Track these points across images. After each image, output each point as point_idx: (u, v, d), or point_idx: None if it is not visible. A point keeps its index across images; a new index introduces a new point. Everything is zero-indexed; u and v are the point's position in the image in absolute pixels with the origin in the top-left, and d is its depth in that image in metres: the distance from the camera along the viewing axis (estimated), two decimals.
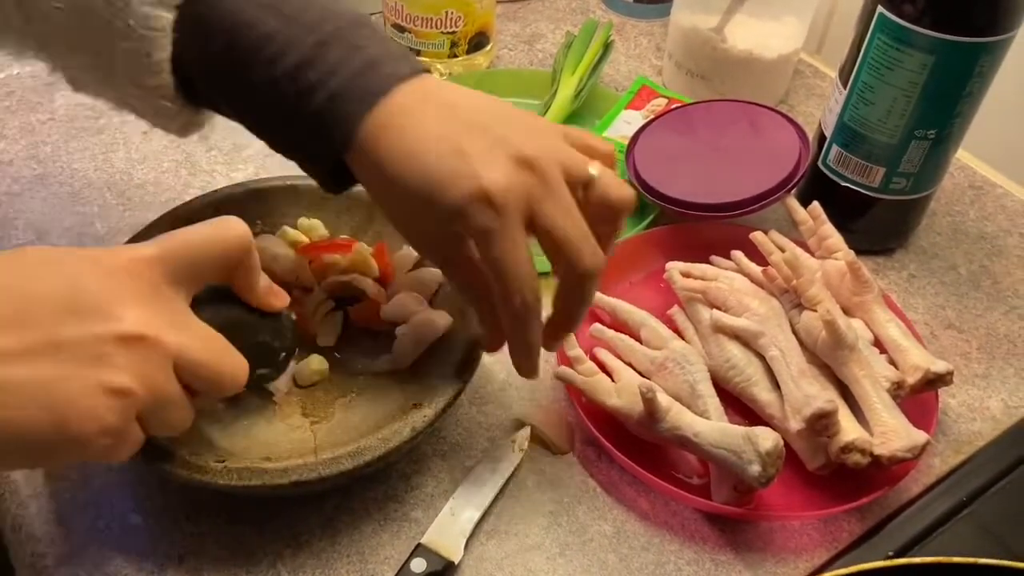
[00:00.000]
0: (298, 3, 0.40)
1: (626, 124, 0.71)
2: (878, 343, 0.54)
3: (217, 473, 0.43)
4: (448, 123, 0.39)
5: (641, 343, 0.55)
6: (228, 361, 0.39)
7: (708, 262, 0.60)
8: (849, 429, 0.49)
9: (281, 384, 0.50)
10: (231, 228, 0.40)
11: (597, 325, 0.56)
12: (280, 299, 0.44)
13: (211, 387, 0.39)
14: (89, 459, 0.35)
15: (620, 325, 0.57)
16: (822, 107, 0.77)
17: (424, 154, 0.38)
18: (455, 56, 0.74)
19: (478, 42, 0.75)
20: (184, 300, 0.39)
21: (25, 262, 0.35)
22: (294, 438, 0.47)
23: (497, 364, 0.57)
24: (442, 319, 0.50)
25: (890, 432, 0.48)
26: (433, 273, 0.54)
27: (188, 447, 0.44)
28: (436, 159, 0.38)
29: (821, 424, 0.48)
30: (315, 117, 0.39)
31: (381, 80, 0.39)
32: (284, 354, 0.47)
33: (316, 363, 0.50)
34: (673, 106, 0.71)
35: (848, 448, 0.48)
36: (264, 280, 0.43)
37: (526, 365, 0.43)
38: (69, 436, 0.33)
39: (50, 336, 0.33)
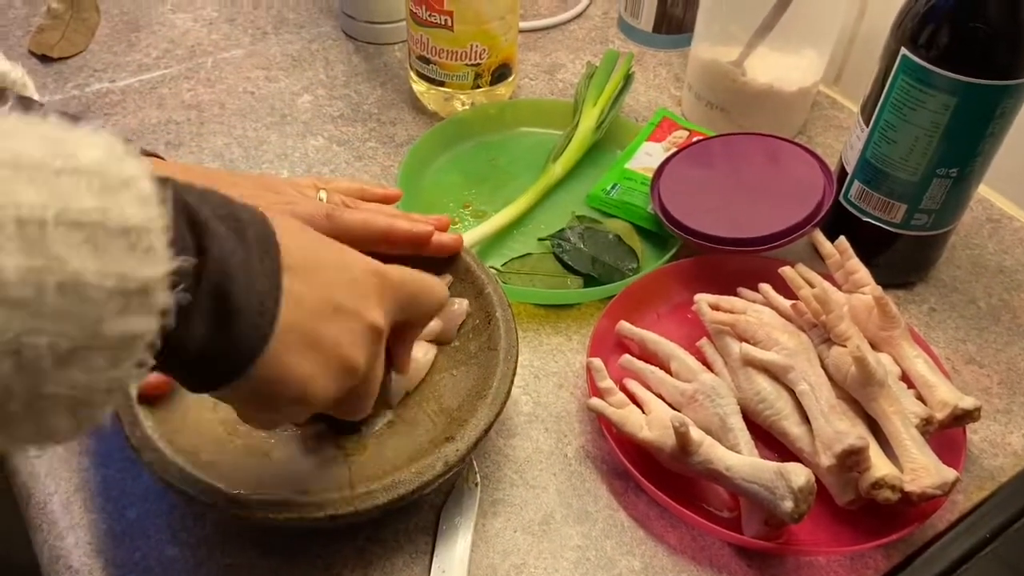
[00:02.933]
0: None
1: (647, 156, 0.72)
2: (905, 378, 0.55)
3: (254, 506, 0.43)
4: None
5: (671, 375, 0.55)
6: (374, 397, 0.42)
7: (734, 293, 0.60)
8: (880, 465, 0.49)
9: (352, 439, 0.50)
10: (442, 286, 0.44)
11: (627, 356, 0.57)
12: (407, 370, 0.47)
13: (351, 408, 0.42)
14: (281, 419, 0.39)
15: (649, 356, 0.57)
16: (840, 138, 0.79)
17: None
18: (478, 87, 0.75)
19: (501, 73, 0.76)
20: (390, 327, 0.41)
21: (311, 234, 0.39)
22: (329, 472, 0.47)
23: (524, 395, 0.57)
24: (427, 354, 0.52)
25: (920, 469, 0.49)
26: (461, 305, 0.54)
27: (225, 480, 0.44)
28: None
29: (852, 460, 0.49)
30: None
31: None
32: (381, 409, 0.49)
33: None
34: (695, 139, 0.72)
35: (879, 484, 0.48)
36: (412, 344, 0.46)
37: None
38: (307, 393, 0.36)
39: (333, 298, 0.36)
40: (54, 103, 0.76)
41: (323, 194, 0.53)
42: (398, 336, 0.44)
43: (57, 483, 0.50)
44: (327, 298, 0.36)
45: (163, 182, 0.29)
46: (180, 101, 0.78)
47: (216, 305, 0.32)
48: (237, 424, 0.49)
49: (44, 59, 0.81)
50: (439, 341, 0.54)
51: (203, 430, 0.48)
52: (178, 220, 0.30)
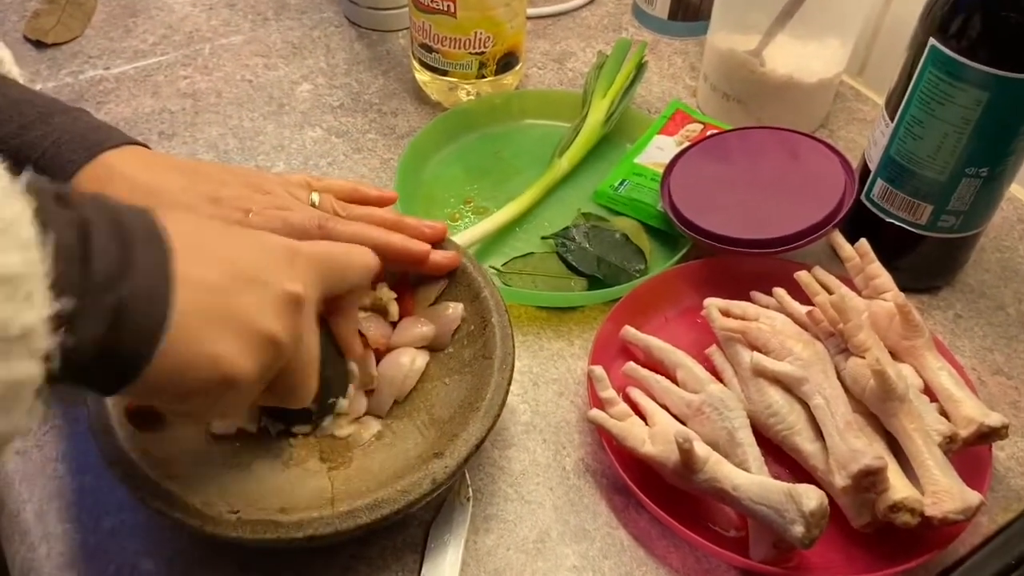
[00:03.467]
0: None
1: (658, 150, 0.69)
2: (928, 391, 0.51)
3: (230, 526, 0.41)
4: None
5: (677, 384, 0.52)
6: (315, 378, 0.41)
7: (747, 298, 0.57)
8: (898, 487, 0.46)
9: (305, 429, 0.48)
10: (367, 252, 0.43)
11: (631, 364, 0.54)
12: (358, 347, 0.46)
13: (290, 392, 0.40)
14: (212, 409, 0.37)
15: (655, 364, 0.54)
16: (864, 132, 0.75)
17: None
18: (483, 77, 0.72)
19: (507, 62, 0.72)
20: (316, 303, 0.40)
21: (215, 223, 0.38)
22: (311, 486, 0.45)
23: (522, 403, 0.54)
24: (416, 361, 0.49)
25: (942, 492, 0.45)
26: (455, 309, 0.51)
27: (201, 495, 0.42)
28: None
29: (868, 481, 0.45)
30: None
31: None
32: (332, 400, 0.46)
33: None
34: (709, 132, 0.68)
35: (897, 507, 0.45)
36: (356, 321, 0.45)
37: None
38: (221, 372, 0.34)
39: (239, 271, 0.35)
40: (47, 91, 0.74)
41: (316, 196, 0.50)
42: (335, 313, 0.43)
43: (31, 490, 0.48)
44: (232, 272, 0.35)
45: (44, 213, 0.29)
46: (176, 89, 0.75)
47: (105, 308, 0.30)
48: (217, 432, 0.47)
49: (39, 44, 0.79)
50: (432, 347, 0.51)
51: (181, 439, 0.46)
52: (60, 250, 0.29)
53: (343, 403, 0.47)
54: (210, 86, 0.76)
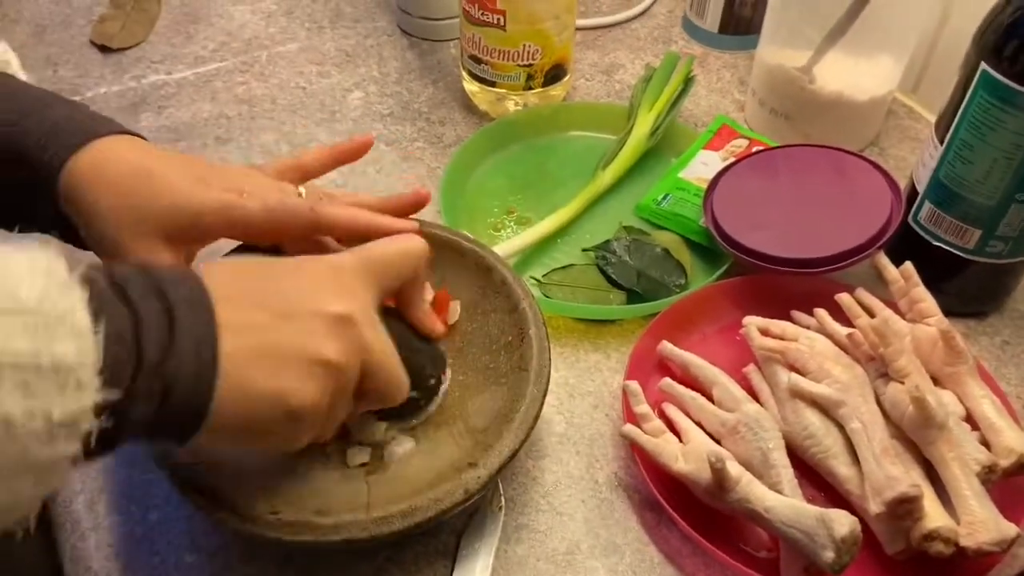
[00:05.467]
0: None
1: (703, 165, 0.69)
2: (969, 418, 0.50)
3: (269, 525, 0.42)
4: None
5: (712, 402, 0.53)
6: (402, 372, 0.41)
7: (787, 317, 0.57)
8: (934, 515, 0.45)
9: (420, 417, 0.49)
10: (415, 240, 0.43)
11: (667, 380, 0.54)
12: (439, 327, 0.47)
13: (384, 393, 0.41)
14: (292, 440, 0.38)
15: (691, 380, 0.54)
16: (916, 151, 0.74)
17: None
18: (531, 88, 0.73)
19: (555, 74, 0.73)
20: (374, 306, 0.40)
21: (252, 264, 0.40)
22: (348, 489, 0.46)
23: (557, 415, 0.55)
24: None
25: (978, 523, 0.45)
26: (454, 306, 0.53)
27: (243, 494, 0.43)
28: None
29: (903, 509, 0.45)
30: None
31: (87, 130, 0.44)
32: (434, 381, 0.48)
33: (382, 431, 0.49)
34: (755, 149, 0.68)
35: (931, 536, 0.45)
36: (426, 303, 0.46)
37: None
38: (283, 406, 0.35)
39: (280, 309, 0.36)
40: (111, 94, 0.77)
41: (303, 189, 0.51)
42: (402, 305, 0.45)
43: (83, 482, 0.50)
44: (272, 310, 0.36)
45: (98, 299, 0.30)
46: (233, 95, 0.78)
47: (153, 392, 0.32)
48: None
49: (104, 49, 0.82)
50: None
51: None
52: (111, 338, 0.30)
53: (446, 383, 0.49)
54: (266, 92, 0.78)
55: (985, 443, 0.49)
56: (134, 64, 0.81)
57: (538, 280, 0.62)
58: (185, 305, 0.33)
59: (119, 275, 0.33)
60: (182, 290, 0.34)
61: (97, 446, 0.30)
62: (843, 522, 0.43)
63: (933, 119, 0.58)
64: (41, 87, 0.48)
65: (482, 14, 0.68)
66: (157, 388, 0.32)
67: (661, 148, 0.72)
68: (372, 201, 0.52)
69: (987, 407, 0.50)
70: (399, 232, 0.50)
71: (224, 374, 0.33)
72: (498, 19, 0.68)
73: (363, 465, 0.48)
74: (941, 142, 0.55)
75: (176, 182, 0.44)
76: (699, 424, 0.52)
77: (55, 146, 0.43)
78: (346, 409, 0.40)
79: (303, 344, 0.36)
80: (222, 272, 0.36)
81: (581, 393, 0.56)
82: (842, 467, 0.49)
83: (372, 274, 0.41)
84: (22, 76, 0.52)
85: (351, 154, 0.54)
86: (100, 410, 0.29)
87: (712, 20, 0.83)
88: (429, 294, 0.51)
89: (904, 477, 0.46)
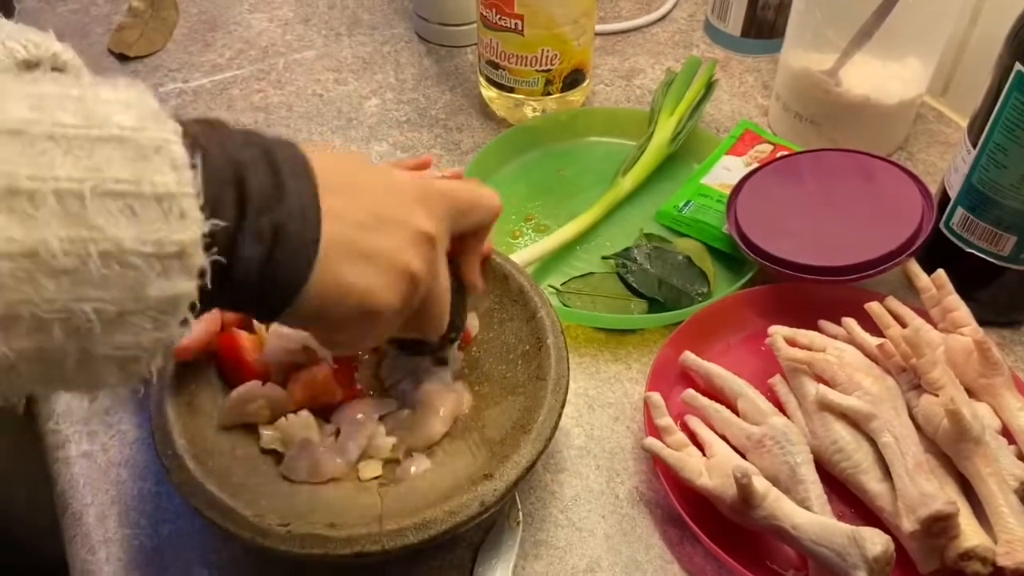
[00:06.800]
0: None
1: (726, 171, 0.67)
2: (1006, 431, 0.48)
3: (280, 539, 0.41)
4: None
5: (737, 414, 0.51)
6: (447, 308, 0.42)
7: (814, 327, 0.55)
8: (970, 533, 0.44)
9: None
10: (495, 197, 0.44)
11: (690, 391, 0.53)
12: (480, 284, 0.47)
13: (425, 324, 0.41)
14: (360, 340, 0.38)
15: (715, 392, 0.53)
16: (946, 156, 0.72)
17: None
18: (549, 94, 0.71)
19: (573, 79, 0.72)
20: (445, 237, 0.41)
21: (347, 157, 0.40)
22: (360, 501, 0.45)
23: (576, 427, 0.53)
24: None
25: (1016, 541, 0.43)
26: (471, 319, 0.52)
27: (254, 507, 0.42)
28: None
29: (939, 527, 0.43)
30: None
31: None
32: (454, 335, 0.47)
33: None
34: (779, 154, 0.66)
35: (968, 555, 0.43)
36: (479, 257, 0.46)
37: None
38: (369, 304, 0.35)
39: (377, 211, 0.36)
40: None
41: None
42: (460, 250, 0.44)
43: (94, 494, 0.50)
44: (369, 210, 0.36)
45: (193, 138, 0.30)
46: (249, 103, 0.77)
47: (263, 230, 0.32)
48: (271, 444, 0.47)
49: (122, 58, 0.82)
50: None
51: (238, 450, 0.47)
52: (212, 172, 0.30)
53: (427, 462, 0.48)
54: (282, 100, 0.78)
55: (1022, 457, 0.47)
56: (152, 72, 0.80)
57: (557, 288, 0.60)
58: (289, 165, 0.33)
59: (215, 121, 0.32)
60: (286, 151, 0.33)
61: (212, 291, 0.30)
62: (876, 541, 0.41)
63: (962, 122, 0.56)
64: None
65: (500, 19, 0.67)
66: (267, 229, 0.31)
67: (682, 154, 0.70)
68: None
69: None
70: (418, 162, 0.51)
71: (322, 256, 0.33)
72: (516, 24, 0.67)
73: (376, 478, 0.47)
74: (974, 146, 0.53)
75: None
76: (723, 437, 0.50)
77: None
78: (395, 326, 0.40)
79: (395, 250, 0.36)
80: (322, 156, 0.36)
81: (601, 404, 0.55)
82: (873, 483, 0.47)
83: (452, 208, 0.41)
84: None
85: (410, 169, 0.53)
86: (209, 244, 0.29)
87: (734, 24, 0.81)
88: (486, 249, 0.50)
89: (939, 493, 0.44)
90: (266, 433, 0.48)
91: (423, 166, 0.54)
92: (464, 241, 0.44)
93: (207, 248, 0.29)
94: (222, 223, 0.30)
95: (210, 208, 0.29)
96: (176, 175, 0.28)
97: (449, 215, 0.40)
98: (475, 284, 0.47)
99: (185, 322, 0.29)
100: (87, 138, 0.27)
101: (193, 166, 0.29)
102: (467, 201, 0.42)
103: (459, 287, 0.46)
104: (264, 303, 0.34)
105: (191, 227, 0.28)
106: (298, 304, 0.33)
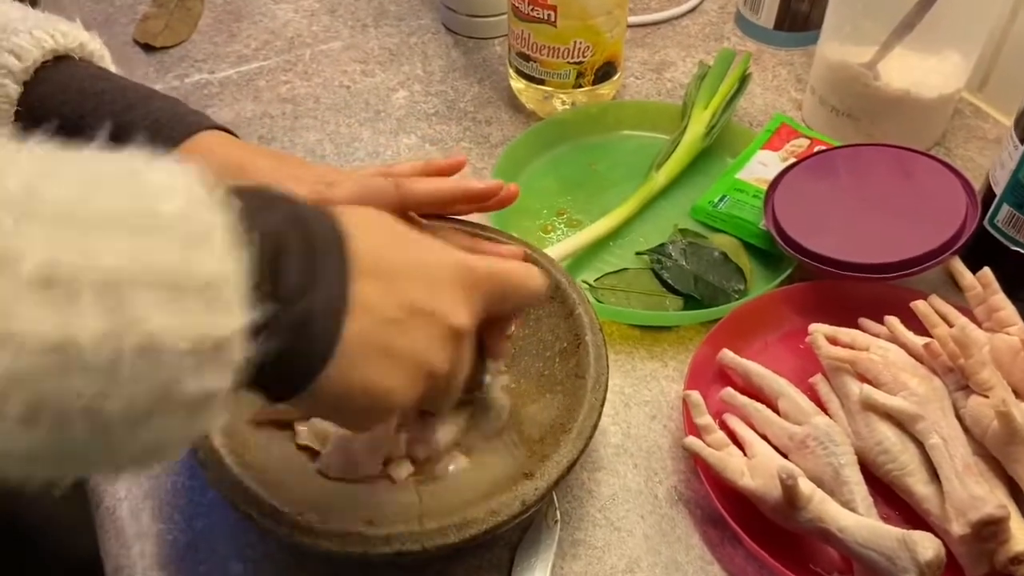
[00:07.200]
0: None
1: (761, 166, 0.66)
2: None
3: (317, 535, 0.40)
4: None
5: (778, 414, 0.50)
6: (459, 390, 0.40)
7: (855, 325, 0.54)
8: (1021, 538, 0.43)
9: None
10: (541, 278, 0.41)
11: (729, 390, 0.52)
12: (505, 352, 0.46)
13: (442, 404, 0.40)
14: (368, 425, 0.38)
15: (754, 391, 0.52)
16: (984, 151, 0.70)
17: None
18: (580, 86, 0.71)
19: (605, 72, 0.71)
20: (477, 321, 0.38)
21: (388, 229, 0.37)
22: (399, 499, 0.45)
23: (613, 425, 0.53)
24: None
25: None
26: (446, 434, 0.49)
27: (291, 503, 0.42)
28: None
29: (989, 531, 0.42)
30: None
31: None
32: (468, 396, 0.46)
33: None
34: (817, 148, 0.65)
35: (1019, 560, 0.42)
36: (508, 330, 0.45)
37: None
38: (385, 403, 0.34)
39: (411, 301, 0.34)
40: None
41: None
42: (490, 328, 0.42)
43: (128, 488, 0.49)
44: (402, 300, 0.34)
45: (244, 217, 0.28)
46: (276, 94, 0.77)
47: (293, 320, 0.30)
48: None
49: (147, 48, 0.81)
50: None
51: (273, 446, 0.46)
52: (257, 258, 0.28)
53: (464, 461, 0.47)
54: (309, 91, 0.77)
55: None
56: (177, 63, 0.80)
57: (590, 284, 0.59)
58: (324, 243, 0.32)
59: (263, 195, 0.31)
60: (324, 228, 0.32)
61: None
62: (928, 545, 0.40)
63: (1001, 117, 0.55)
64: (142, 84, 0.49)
65: (532, 9, 0.66)
66: (293, 321, 0.30)
67: (716, 148, 0.69)
68: (406, 168, 0.51)
69: None
70: (485, 189, 0.50)
71: (340, 352, 0.32)
72: (548, 15, 0.66)
73: (412, 475, 0.46)
74: (1021, 141, 0.52)
75: (268, 177, 0.45)
76: (764, 437, 0.49)
77: (159, 139, 0.44)
78: (407, 410, 0.38)
79: (421, 350, 0.35)
80: (366, 231, 0.34)
81: (637, 402, 0.54)
82: (920, 485, 0.46)
83: (493, 293, 0.39)
84: (114, 70, 0.52)
85: (443, 170, 0.52)
86: (249, 336, 0.28)
87: (767, 16, 0.80)
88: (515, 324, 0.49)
89: (990, 496, 0.43)
90: (302, 429, 0.47)
91: (456, 167, 0.52)
92: (496, 320, 0.42)
93: (247, 341, 0.28)
94: (263, 314, 0.28)
95: (253, 298, 0.28)
96: (224, 262, 0.27)
97: (489, 299, 0.38)
98: (498, 354, 0.44)
99: (217, 419, 0.28)
100: (133, 226, 0.25)
101: (242, 252, 0.27)
102: (513, 286, 0.40)
103: (479, 347, 0.43)
104: (272, 388, 0.32)
105: (235, 317, 0.27)
106: (309, 393, 0.32)
